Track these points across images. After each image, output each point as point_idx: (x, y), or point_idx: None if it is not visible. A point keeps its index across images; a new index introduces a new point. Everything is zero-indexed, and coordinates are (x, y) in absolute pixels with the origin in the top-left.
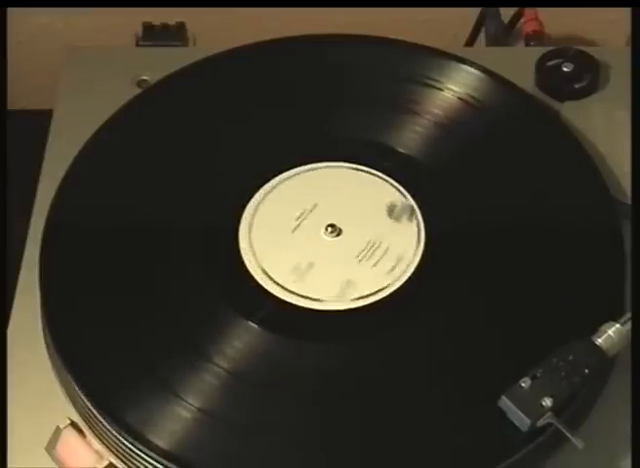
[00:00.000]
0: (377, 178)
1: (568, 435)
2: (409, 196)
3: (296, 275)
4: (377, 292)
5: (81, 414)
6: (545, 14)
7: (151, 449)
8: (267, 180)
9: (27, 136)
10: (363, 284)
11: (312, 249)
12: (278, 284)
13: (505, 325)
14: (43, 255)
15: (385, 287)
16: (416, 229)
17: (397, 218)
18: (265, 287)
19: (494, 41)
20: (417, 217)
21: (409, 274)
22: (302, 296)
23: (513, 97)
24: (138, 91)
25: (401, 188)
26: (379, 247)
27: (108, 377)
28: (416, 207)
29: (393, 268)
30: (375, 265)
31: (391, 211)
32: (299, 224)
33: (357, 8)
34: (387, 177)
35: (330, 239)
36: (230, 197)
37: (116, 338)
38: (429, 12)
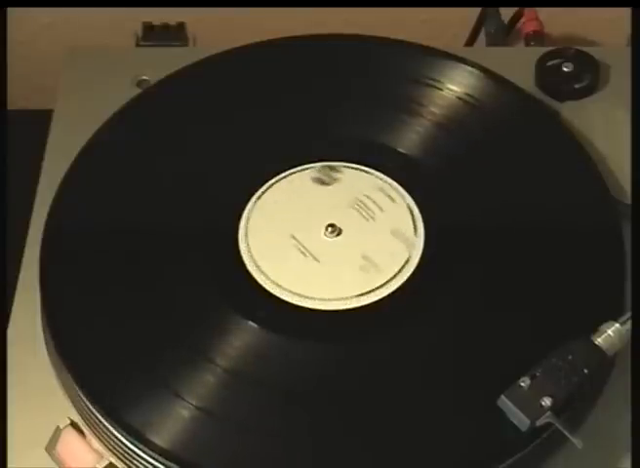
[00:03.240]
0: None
1: (567, 435)
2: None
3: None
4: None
5: (81, 414)
6: (545, 14)
7: (151, 449)
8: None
9: (27, 136)
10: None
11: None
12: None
13: (505, 324)
14: (43, 255)
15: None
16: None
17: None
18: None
19: (494, 41)
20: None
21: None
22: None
23: (513, 97)
24: (138, 91)
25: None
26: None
27: (108, 377)
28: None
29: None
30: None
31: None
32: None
33: (357, 8)
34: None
35: (330, 239)
36: (230, 197)
37: (116, 338)
38: (429, 12)
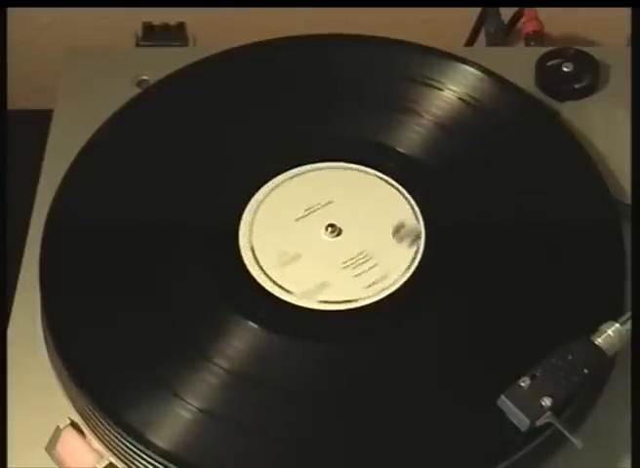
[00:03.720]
0: (392, 188)
1: (567, 435)
2: (421, 220)
3: (296, 275)
4: (377, 291)
5: (81, 414)
6: (545, 14)
7: (151, 450)
8: (267, 180)
9: (27, 136)
10: (363, 284)
11: (312, 248)
12: (278, 284)
13: (505, 324)
14: (43, 255)
15: (386, 287)
16: (412, 255)
17: (400, 239)
18: (266, 287)
19: (494, 41)
20: (418, 245)
21: (409, 274)
22: (302, 296)
23: (513, 97)
24: (138, 91)
25: (416, 208)
26: (378, 248)
27: (108, 377)
28: (423, 232)
29: (393, 268)
30: (375, 265)
31: (397, 230)
32: (299, 224)
33: (357, 8)
34: (384, 176)
35: (330, 239)
36: (230, 197)
37: (116, 338)
38: (429, 12)
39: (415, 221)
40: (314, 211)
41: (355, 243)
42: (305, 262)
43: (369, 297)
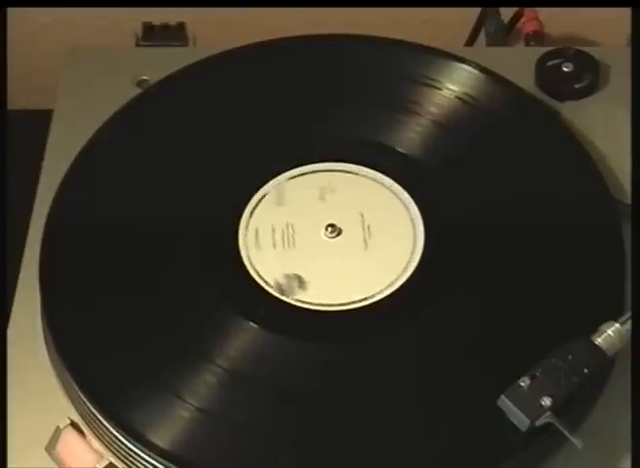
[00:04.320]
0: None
1: (567, 434)
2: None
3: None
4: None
5: (81, 414)
6: (545, 14)
7: (151, 450)
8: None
9: (27, 136)
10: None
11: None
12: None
13: (505, 324)
14: (43, 255)
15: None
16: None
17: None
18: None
19: (494, 41)
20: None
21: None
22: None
23: (513, 97)
24: (138, 91)
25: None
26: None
27: (108, 377)
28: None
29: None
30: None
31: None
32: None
33: (357, 8)
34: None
35: (330, 239)
36: (230, 197)
37: (116, 338)
38: (429, 12)
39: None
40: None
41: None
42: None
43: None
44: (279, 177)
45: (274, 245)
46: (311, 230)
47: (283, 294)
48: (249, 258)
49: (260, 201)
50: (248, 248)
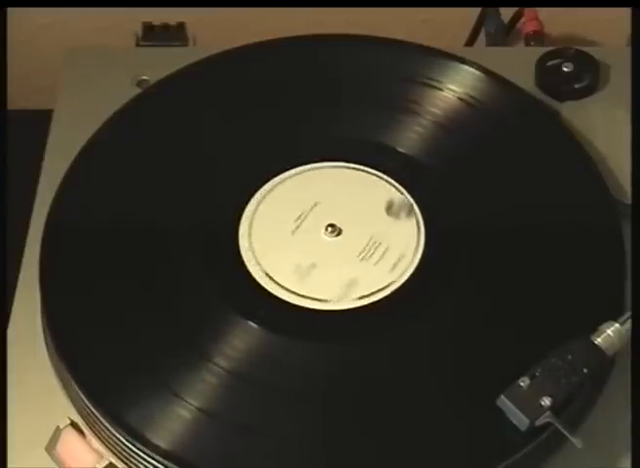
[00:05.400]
0: (374, 177)
1: (567, 434)
2: (405, 192)
3: (297, 275)
4: (378, 291)
5: (81, 414)
6: (545, 14)
7: (151, 449)
8: (267, 180)
9: (27, 136)
10: (365, 283)
11: (313, 248)
12: (279, 284)
13: (505, 324)
14: (43, 255)
15: (386, 286)
16: (415, 225)
17: (396, 215)
18: (266, 287)
19: (494, 41)
20: (415, 213)
21: (409, 274)
22: (303, 296)
23: (513, 97)
24: (138, 91)
25: (398, 185)
26: (379, 245)
27: (108, 377)
28: (413, 202)
29: (394, 267)
30: (376, 264)
31: (389, 208)
32: (299, 224)
33: (357, 8)
34: (384, 175)
35: (330, 239)
36: (230, 197)
37: (116, 338)
38: (429, 12)
39: (400, 195)
40: (314, 211)
41: (359, 234)
42: (307, 263)
43: (373, 295)
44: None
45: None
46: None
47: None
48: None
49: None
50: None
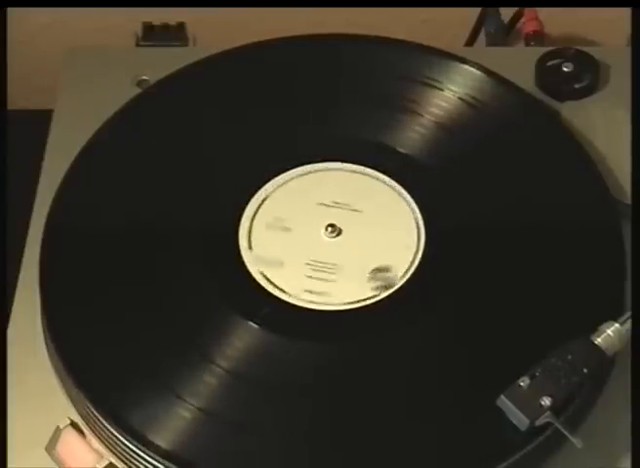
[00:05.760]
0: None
1: (567, 434)
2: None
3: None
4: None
5: (81, 414)
6: (545, 14)
7: (151, 450)
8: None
9: (27, 136)
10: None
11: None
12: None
13: (505, 324)
14: (43, 255)
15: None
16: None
17: (374, 280)
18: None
19: (494, 41)
20: (382, 292)
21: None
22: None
23: (513, 97)
24: (138, 91)
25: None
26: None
27: (108, 377)
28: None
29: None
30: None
31: (378, 271)
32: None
33: (357, 8)
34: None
35: (330, 239)
36: (230, 197)
37: (116, 338)
38: (429, 12)
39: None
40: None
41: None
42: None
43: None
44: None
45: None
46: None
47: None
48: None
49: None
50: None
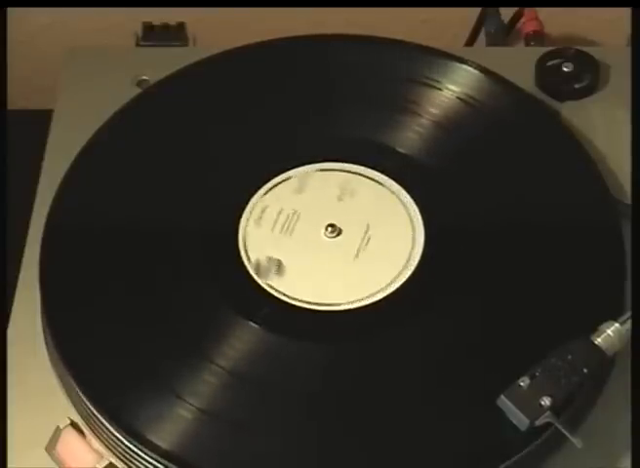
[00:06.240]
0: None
1: (567, 434)
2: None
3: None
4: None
5: (81, 414)
6: (545, 14)
7: (151, 450)
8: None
9: (27, 136)
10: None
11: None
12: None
13: (505, 324)
14: (43, 255)
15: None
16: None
17: (265, 275)
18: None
19: (494, 41)
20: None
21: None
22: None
23: (513, 97)
24: (138, 91)
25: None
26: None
27: (108, 377)
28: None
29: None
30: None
31: (257, 270)
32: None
33: (357, 8)
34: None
35: (330, 239)
36: (230, 197)
37: (116, 338)
38: (429, 12)
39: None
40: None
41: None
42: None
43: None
44: (279, 177)
45: (273, 228)
46: (311, 230)
47: (258, 275)
48: (249, 258)
49: (260, 201)
50: (247, 240)
